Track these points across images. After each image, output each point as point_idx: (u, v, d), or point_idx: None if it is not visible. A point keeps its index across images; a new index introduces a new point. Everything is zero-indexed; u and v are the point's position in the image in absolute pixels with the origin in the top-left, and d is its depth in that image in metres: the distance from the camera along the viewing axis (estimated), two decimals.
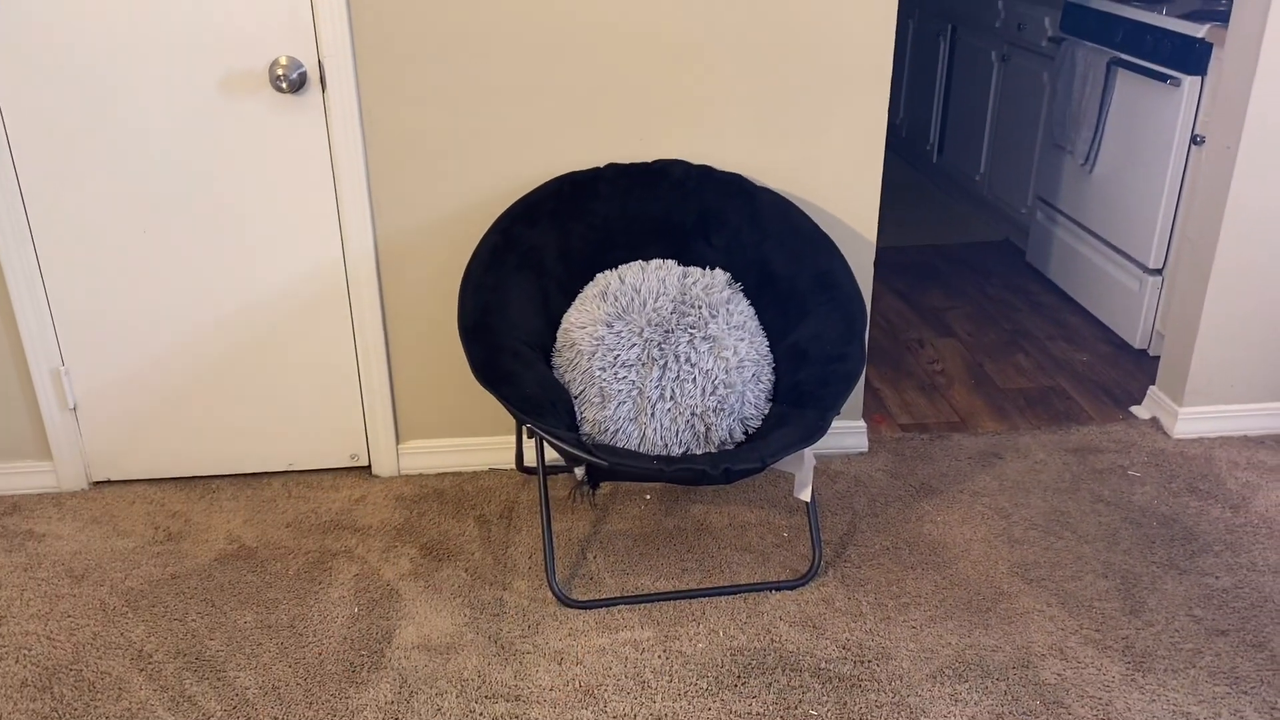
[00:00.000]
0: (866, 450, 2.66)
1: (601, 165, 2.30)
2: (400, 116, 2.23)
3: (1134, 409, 2.85)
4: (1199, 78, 2.82)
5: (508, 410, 1.94)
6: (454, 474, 2.55)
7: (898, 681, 1.92)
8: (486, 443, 2.54)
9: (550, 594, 2.12)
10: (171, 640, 2.02)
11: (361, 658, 1.97)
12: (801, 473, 2.11)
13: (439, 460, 2.54)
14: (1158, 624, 2.06)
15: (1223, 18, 2.88)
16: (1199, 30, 2.80)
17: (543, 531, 2.13)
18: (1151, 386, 2.83)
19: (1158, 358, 3.09)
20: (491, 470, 2.56)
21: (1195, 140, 2.85)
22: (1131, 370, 3.06)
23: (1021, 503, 2.45)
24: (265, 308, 2.36)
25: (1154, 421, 2.78)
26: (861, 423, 2.65)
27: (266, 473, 2.54)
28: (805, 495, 2.13)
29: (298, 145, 2.23)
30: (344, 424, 2.50)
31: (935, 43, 4.56)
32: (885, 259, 3.91)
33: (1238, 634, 2.03)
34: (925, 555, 2.26)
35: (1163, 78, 2.91)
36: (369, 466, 2.55)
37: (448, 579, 2.18)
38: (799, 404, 2.05)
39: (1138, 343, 3.15)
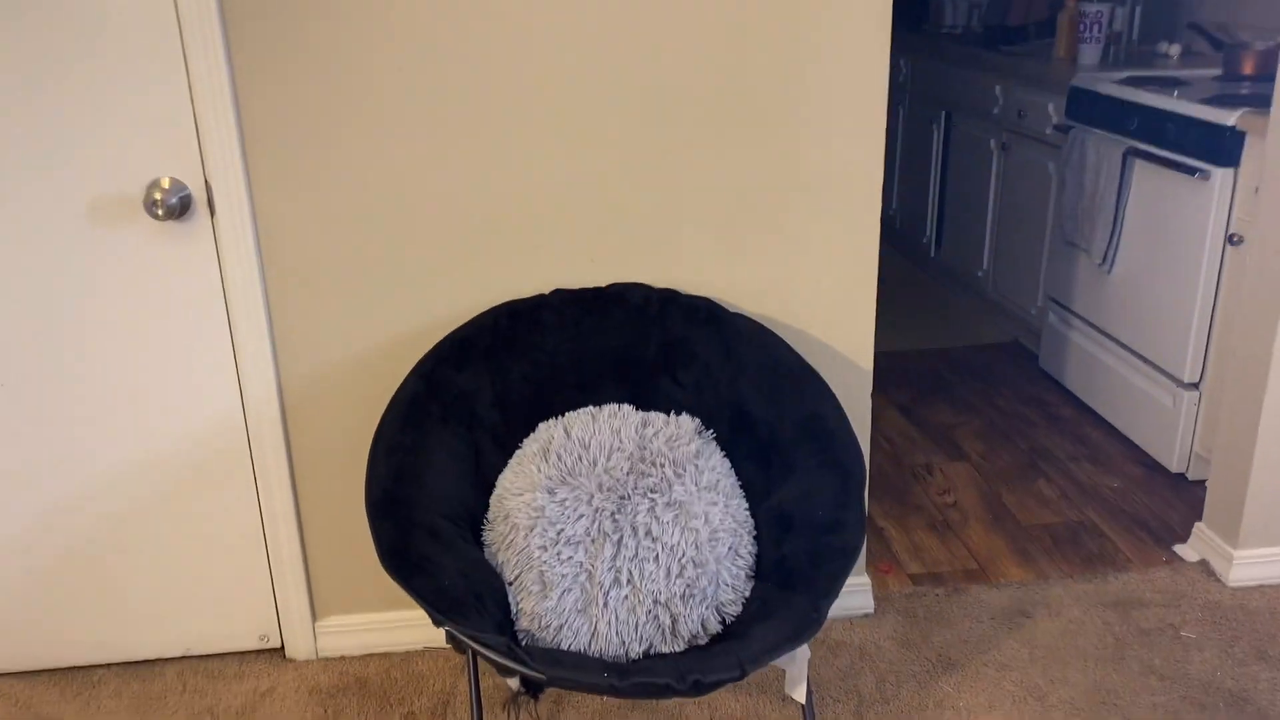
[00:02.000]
0: (873, 611, 2.26)
1: (546, 291, 1.96)
2: (305, 241, 1.89)
3: (1179, 549, 2.46)
4: (1231, 170, 2.49)
5: (421, 607, 1.56)
6: (381, 656, 2.14)
7: None
8: (419, 617, 2.14)
9: None
10: None
11: None
12: (793, 668, 1.71)
13: (364, 639, 2.14)
14: None
15: (1250, 103, 2.56)
16: (1229, 117, 2.48)
17: None
18: (1198, 523, 2.44)
19: (1198, 482, 2.71)
20: (426, 650, 2.16)
21: (1231, 240, 2.51)
22: (1170, 499, 2.68)
23: (1058, 677, 2.05)
24: (151, 469, 1.99)
25: (1204, 566, 2.39)
26: (866, 579, 2.26)
27: (160, 660, 2.14)
28: (799, 694, 1.73)
29: (185, 280, 1.88)
30: (250, 600, 2.11)
31: (928, 130, 4.28)
32: (884, 366, 3.55)
33: None
34: None
35: (1189, 170, 2.58)
36: (281, 648, 2.15)
37: None
38: (786, 585, 1.67)
39: (1174, 465, 2.77)
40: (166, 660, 2.14)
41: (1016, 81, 3.55)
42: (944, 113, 4.14)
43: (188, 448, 1.98)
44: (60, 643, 2.09)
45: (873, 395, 3.35)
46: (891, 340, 3.77)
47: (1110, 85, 2.96)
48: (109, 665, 2.13)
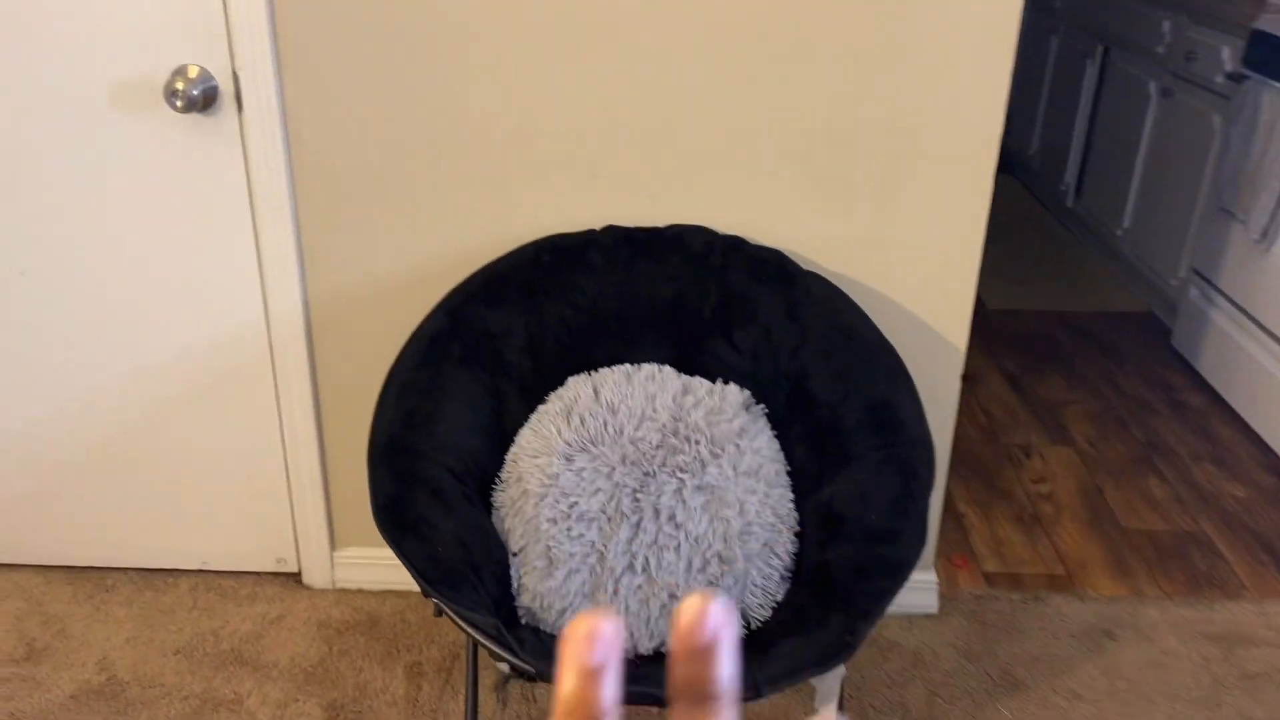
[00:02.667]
0: (936, 611, 2.03)
1: (598, 228, 1.74)
2: (338, 147, 1.71)
3: None
4: None
5: (412, 575, 1.40)
6: (399, 594, 2.03)
7: None
8: None
9: None
10: None
11: None
12: (824, 685, 1.52)
13: (382, 575, 2.02)
14: None
15: None
16: None
17: None
18: None
19: None
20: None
21: None
22: None
23: (1138, 716, 1.80)
24: (170, 375, 1.88)
25: None
26: (932, 575, 2.02)
27: (176, 570, 2.07)
28: (828, 715, 1.53)
29: (210, 178, 1.73)
30: (269, 522, 2.00)
31: (1081, 65, 3.84)
32: (998, 326, 3.24)
33: None
34: None
35: None
36: (298, 574, 2.05)
37: None
38: (823, 597, 1.46)
39: None
40: (182, 572, 2.07)
41: (1189, 16, 3.10)
42: (1101, 47, 3.69)
43: (209, 353, 1.86)
44: (78, 541, 2.03)
45: (979, 358, 3.06)
46: (1009, 296, 3.44)
47: None
48: (125, 570, 2.07)
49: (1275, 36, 2.61)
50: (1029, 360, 3.05)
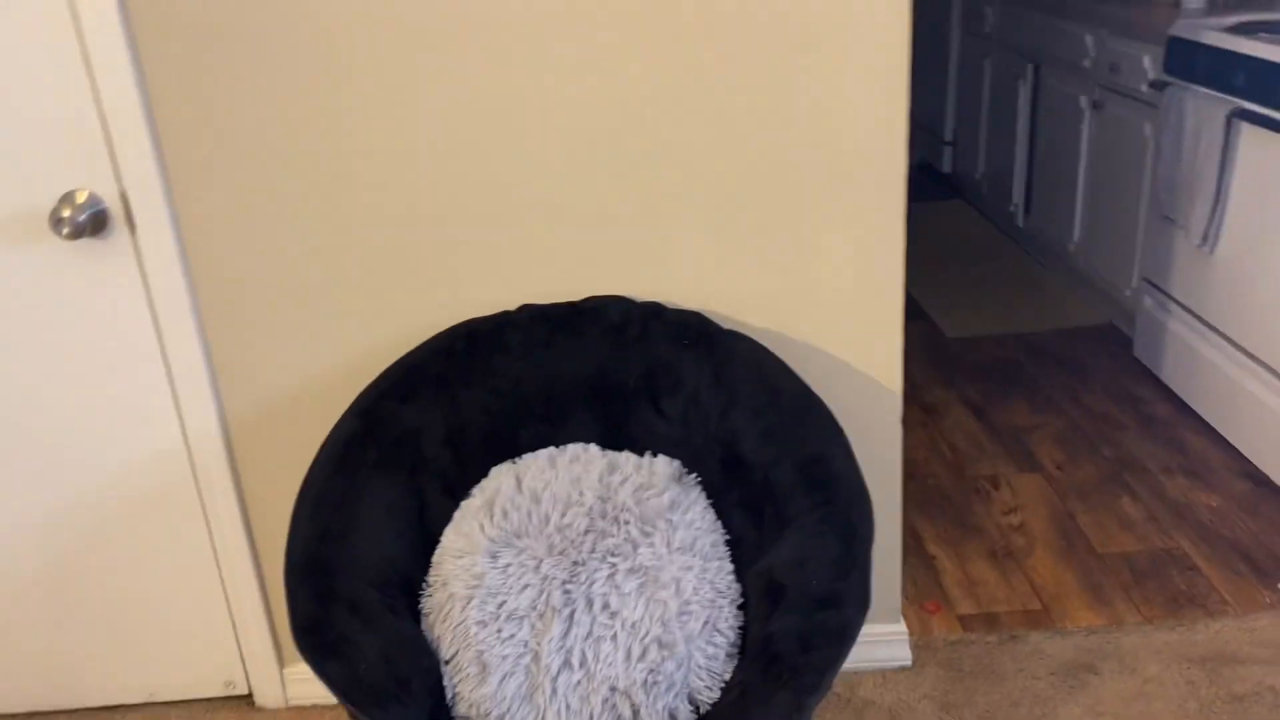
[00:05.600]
0: (910, 663, 1.96)
1: (512, 308, 1.70)
2: (238, 256, 1.67)
3: None
4: None
5: (336, 699, 1.34)
6: None
7: None
8: None
9: None
10: None
11: None
12: None
13: None
14: None
15: None
16: None
17: None
18: None
19: None
20: None
21: None
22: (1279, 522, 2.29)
23: None
24: (93, 508, 1.82)
25: None
26: (901, 627, 1.96)
27: (123, 706, 1.99)
28: None
29: (108, 303, 1.69)
30: (213, 646, 1.93)
31: (1015, 85, 3.85)
32: (958, 355, 3.20)
33: None
34: None
35: None
36: (249, 695, 1.98)
37: None
38: (770, 673, 1.39)
39: None
40: (129, 707, 1.99)
41: (1109, 30, 3.11)
42: (1032, 66, 3.70)
43: (129, 481, 1.81)
44: (16, 687, 1.95)
45: (940, 390, 3.02)
46: (968, 323, 3.40)
47: (1214, 34, 2.52)
48: (70, 711, 1.99)
49: (1190, 42, 2.61)
50: (992, 387, 3.00)
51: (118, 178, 1.61)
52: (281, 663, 1.94)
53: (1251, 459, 2.49)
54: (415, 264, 1.68)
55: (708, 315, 1.68)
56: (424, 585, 1.52)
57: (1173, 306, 2.79)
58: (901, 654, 1.95)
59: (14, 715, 1.99)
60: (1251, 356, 2.45)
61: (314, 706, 1.96)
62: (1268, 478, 2.43)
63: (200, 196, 1.63)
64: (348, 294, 1.70)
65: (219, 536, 1.83)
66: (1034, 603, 2.11)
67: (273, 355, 1.73)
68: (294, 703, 1.96)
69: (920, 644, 2.00)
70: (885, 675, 1.94)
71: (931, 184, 4.83)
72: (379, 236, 1.67)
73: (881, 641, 1.94)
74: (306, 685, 1.95)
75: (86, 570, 1.86)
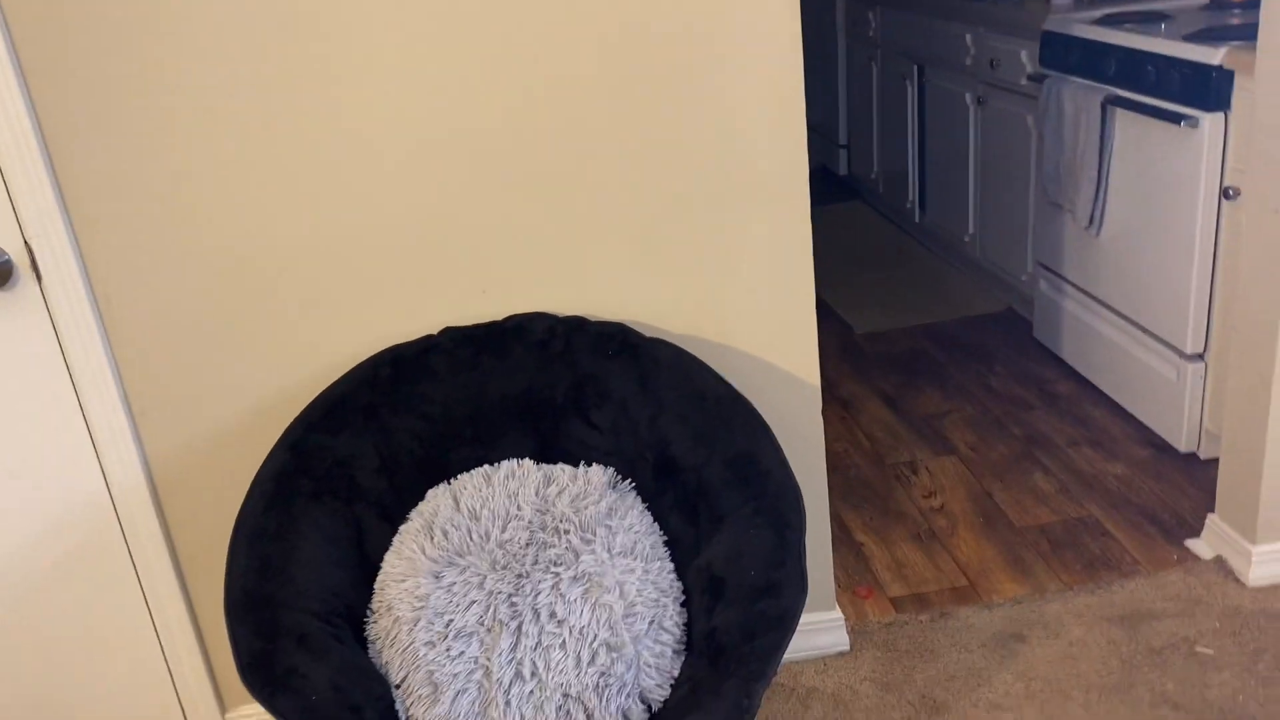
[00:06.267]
0: (849, 648, 2.02)
1: (434, 332, 1.71)
2: (150, 300, 1.65)
3: (1192, 544, 2.20)
4: (1222, 114, 2.21)
5: None
6: None
7: None
8: None
9: None
10: None
11: None
12: None
13: None
14: None
15: (1240, 35, 2.28)
16: (1214, 55, 2.20)
17: None
18: (1211, 515, 2.18)
19: (1210, 461, 2.45)
20: None
21: (1226, 194, 2.23)
22: (1180, 483, 2.42)
23: (1058, 716, 1.80)
24: (15, 567, 1.77)
25: (1220, 564, 2.13)
26: (837, 614, 2.01)
27: None
28: None
29: (18, 355, 1.65)
30: (149, 693, 1.89)
31: (903, 86, 3.99)
32: (869, 350, 3.29)
33: None
34: None
35: (1174, 117, 2.30)
36: None
37: None
38: (717, 665, 1.43)
39: (1183, 445, 2.51)
40: None
41: (987, 28, 3.26)
42: (916, 67, 3.84)
43: (52, 537, 1.76)
44: None
45: (855, 384, 3.10)
46: (876, 319, 3.51)
47: (1084, 26, 2.67)
48: None
49: (1063, 35, 2.75)
50: (903, 378, 3.10)
51: (20, 228, 1.58)
52: (223, 707, 1.91)
53: (1150, 426, 2.62)
54: (332, 294, 1.69)
55: (630, 325, 1.72)
56: (368, 612, 1.52)
57: (1066, 288, 2.93)
58: (839, 640, 2.01)
59: None
60: (1143, 329, 2.58)
61: None
62: (1166, 443, 2.56)
63: (107, 241, 1.61)
64: (266, 329, 1.69)
65: (149, 582, 1.80)
66: (960, 580, 2.19)
67: (193, 396, 1.72)
68: None
69: (856, 629, 2.06)
70: (826, 661, 1.99)
71: (829, 187, 4.96)
72: (293, 269, 1.67)
73: (819, 629, 1.99)
74: None
75: (14, 628, 1.81)
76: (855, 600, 2.16)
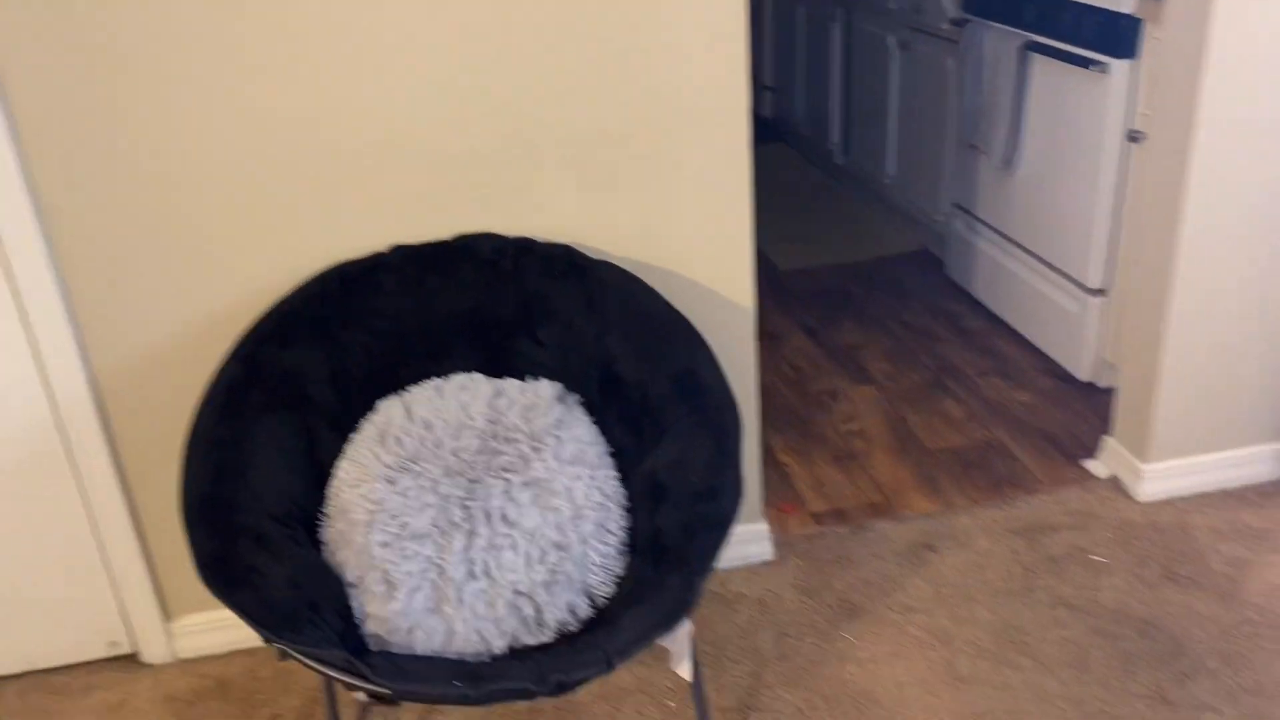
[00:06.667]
0: (773, 557, 2.14)
1: (383, 249, 1.75)
2: (96, 214, 1.65)
3: (1089, 464, 2.37)
4: (1130, 62, 2.34)
5: (250, 626, 1.38)
6: (246, 653, 1.98)
7: None
8: None
9: None
10: None
11: None
12: (676, 645, 1.58)
13: (226, 637, 1.97)
14: None
15: None
16: (1125, 3, 2.32)
17: None
18: (1107, 437, 2.35)
19: (1108, 390, 2.62)
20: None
21: (1132, 137, 2.37)
22: (1080, 410, 2.59)
23: (965, 617, 1.95)
24: None
25: (1114, 482, 2.30)
26: (764, 526, 2.13)
27: (1, 677, 1.95)
28: (684, 671, 1.60)
29: None
30: (92, 607, 1.92)
31: (828, 29, 4.07)
32: (791, 286, 3.40)
33: None
34: (849, 717, 1.75)
35: (1086, 63, 2.42)
36: (135, 654, 1.98)
37: None
38: (660, 563, 1.52)
39: (1084, 374, 2.68)
40: (6, 678, 1.95)
41: None
42: (843, 9, 3.92)
43: None
44: None
45: (779, 317, 3.21)
46: (799, 257, 3.62)
47: None
48: None
49: None
50: (824, 312, 3.22)
51: None
52: (166, 616, 1.95)
53: (1054, 358, 2.79)
54: (281, 208, 1.71)
55: (576, 248, 1.78)
56: (322, 516, 1.58)
57: (979, 227, 3.07)
58: (765, 550, 2.13)
59: None
60: (1050, 266, 2.74)
61: (203, 657, 1.97)
62: (1068, 373, 2.73)
63: (53, 145, 1.60)
64: (213, 241, 1.71)
65: (93, 496, 1.82)
66: (877, 496, 2.33)
67: (139, 309, 1.73)
68: (182, 656, 1.97)
69: (780, 540, 2.18)
70: (752, 570, 2.11)
71: (754, 129, 5.03)
72: (240, 183, 1.68)
73: (746, 540, 2.11)
74: (193, 637, 1.96)
75: None
76: (779, 516, 2.28)
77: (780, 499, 2.33)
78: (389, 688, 1.33)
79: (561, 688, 1.34)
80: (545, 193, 1.78)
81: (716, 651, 1.91)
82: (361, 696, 1.46)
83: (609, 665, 1.36)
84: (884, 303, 3.24)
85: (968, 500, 2.29)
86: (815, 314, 3.21)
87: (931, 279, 3.36)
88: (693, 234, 1.85)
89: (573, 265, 1.76)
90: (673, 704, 1.80)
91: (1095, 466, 2.36)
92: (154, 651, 1.95)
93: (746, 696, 1.81)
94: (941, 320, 3.09)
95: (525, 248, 1.77)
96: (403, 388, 1.69)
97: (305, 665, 1.35)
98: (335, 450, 1.63)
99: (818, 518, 2.27)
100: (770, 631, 1.95)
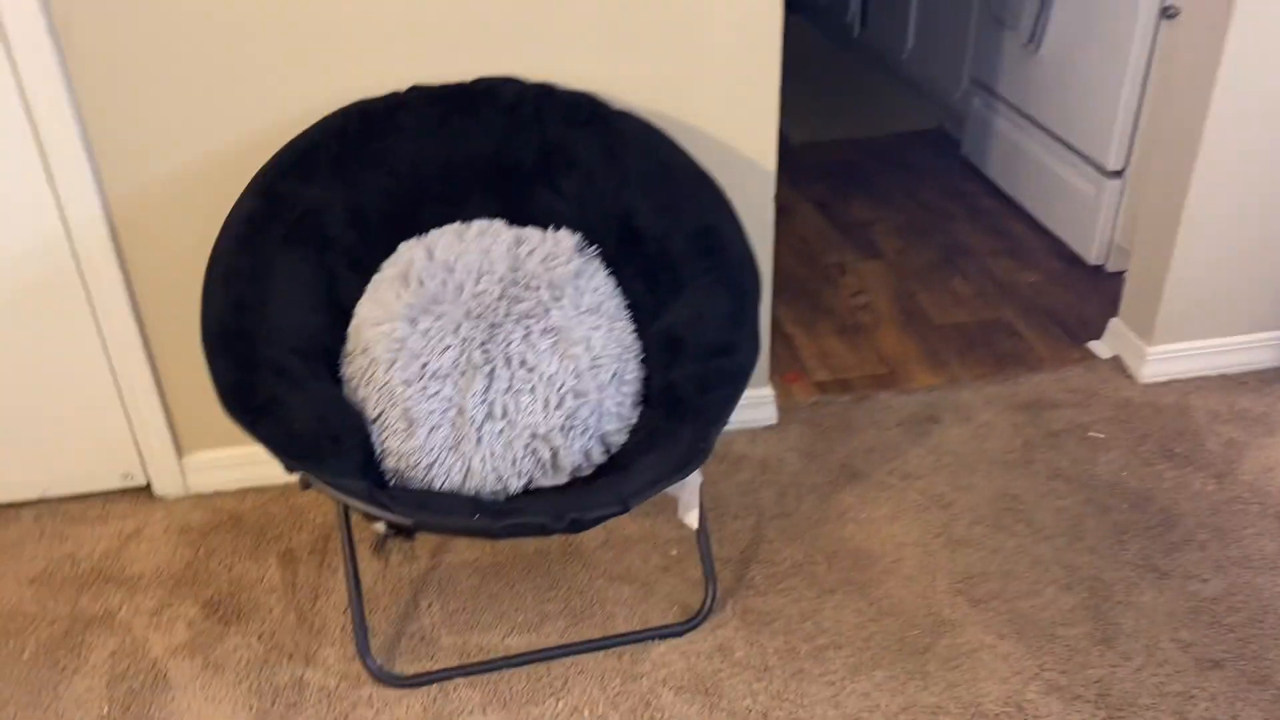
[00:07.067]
0: (776, 422, 2.17)
1: (402, 89, 1.71)
2: (115, 36, 1.61)
3: (1093, 345, 2.39)
4: None
5: (271, 454, 1.41)
6: (258, 490, 2.02)
7: None
8: None
9: (364, 670, 1.63)
10: None
11: None
12: (685, 494, 1.62)
13: (239, 473, 2.00)
14: (1136, 656, 1.64)
15: None
16: None
17: (349, 590, 1.62)
18: (1113, 319, 2.36)
19: (1116, 274, 2.62)
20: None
21: (1166, 13, 2.31)
22: (1087, 293, 2.60)
23: (964, 485, 2.00)
24: None
25: (1117, 362, 2.33)
26: (769, 390, 2.15)
27: (15, 504, 1.99)
28: (692, 521, 1.64)
29: None
30: (107, 438, 1.94)
31: None
32: (803, 159, 3.36)
33: (1234, 664, 1.62)
34: (847, 571, 1.81)
35: None
36: (148, 486, 2.01)
37: (234, 651, 1.68)
38: (674, 414, 1.54)
39: (1093, 258, 2.68)
40: (22, 504, 1.99)
41: None
42: None
43: (7, 276, 1.76)
44: None
45: (789, 190, 3.18)
46: (811, 130, 3.56)
47: None
48: None
49: None
50: (835, 186, 3.19)
51: None
52: (179, 451, 1.98)
53: (1065, 241, 2.78)
54: (301, 43, 1.67)
55: (598, 97, 1.75)
56: (343, 354, 1.59)
57: (999, 105, 3.02)
58: (769, 415, 2.16)
59: None
60: (1069, 147, 2.70)
61: (215, 493, 2.01)
62: (1078, 256, 2.73)
63: None
64: (232, 74, 1.67)
65: (106, 325, 1.82)
66: (881, 368, 2.35)
67: (156, 138, 1.70)
68: (195, 491, 2.01)
69: (784, 407, 2.21)
70: (755, 434, 2.14)
71: None
72: (261, 14, 1.63)
73: (751, 405, 2.13)
74: (205, 473, 1.99)
75: None
76: (783, 384, 2.30)
77: (785, 369, 2.35)
78: (410, 518, 1.36)
79: (576, 525, 1.38)
80: (569, 37, 1.74)
81: (718, 507, 1.96)
82: (381, 528, 1.50)
83: (624, 507, 1.40)
84: (897, 179, 3.21)
85: (972, 375, 2.32)
86: (826, 188, 3.18)
87: (946, 157, 3.32)
88: (719, 91, 1.81)
89: (595, 114, 1.73)
90: (675, 553, 1.85)
91: (1099, 347, 2.38)
92: (167, 485, 1.99)
93: (747, 549, 1.86)
94: (954, 199, 3.07)
95: (546, 93, 1.73)
96: (422, 231, 1.68)
97: (328, 494, 1.37)
98: (354, 290, 1.63)
99: (822, 387, 2.30)
100: (771, 491, 1.99)
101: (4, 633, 1.72)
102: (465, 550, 1.85)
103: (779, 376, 2.32)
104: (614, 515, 1.40)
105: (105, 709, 1.58)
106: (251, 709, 1.58)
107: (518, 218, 1.73)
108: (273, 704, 1.59)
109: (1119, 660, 1.63)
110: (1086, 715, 1.55)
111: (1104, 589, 1.76)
